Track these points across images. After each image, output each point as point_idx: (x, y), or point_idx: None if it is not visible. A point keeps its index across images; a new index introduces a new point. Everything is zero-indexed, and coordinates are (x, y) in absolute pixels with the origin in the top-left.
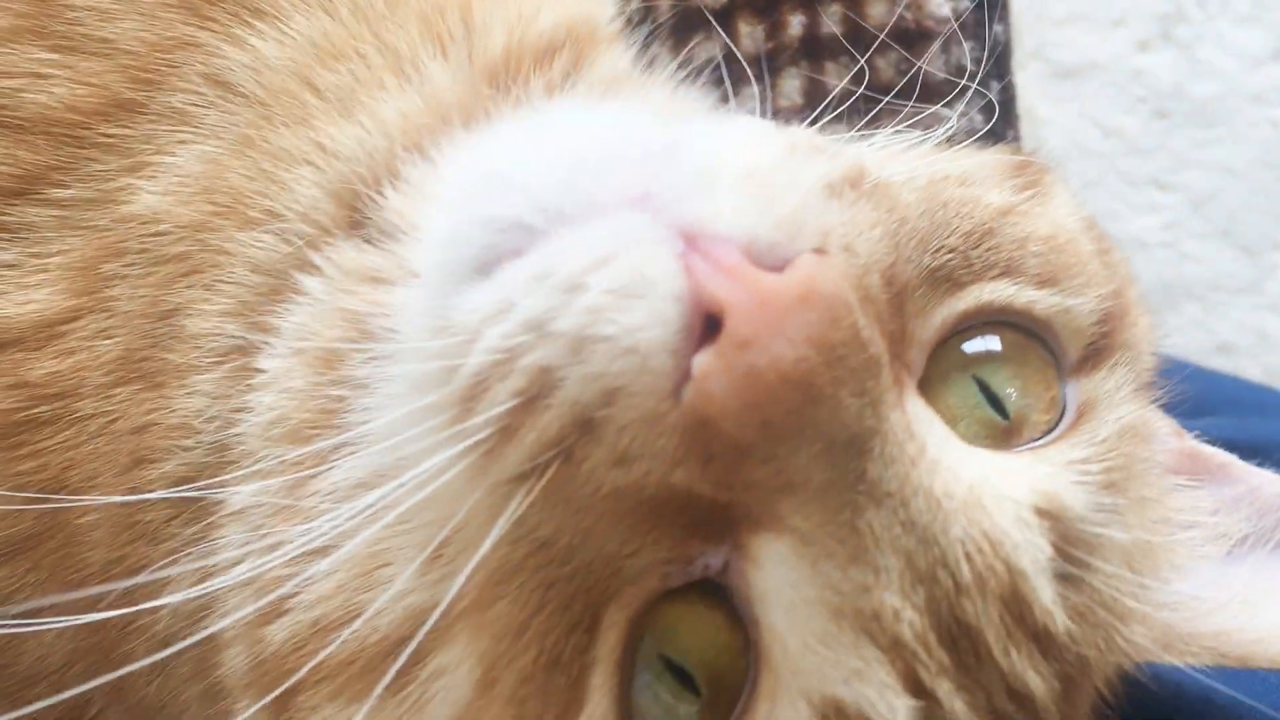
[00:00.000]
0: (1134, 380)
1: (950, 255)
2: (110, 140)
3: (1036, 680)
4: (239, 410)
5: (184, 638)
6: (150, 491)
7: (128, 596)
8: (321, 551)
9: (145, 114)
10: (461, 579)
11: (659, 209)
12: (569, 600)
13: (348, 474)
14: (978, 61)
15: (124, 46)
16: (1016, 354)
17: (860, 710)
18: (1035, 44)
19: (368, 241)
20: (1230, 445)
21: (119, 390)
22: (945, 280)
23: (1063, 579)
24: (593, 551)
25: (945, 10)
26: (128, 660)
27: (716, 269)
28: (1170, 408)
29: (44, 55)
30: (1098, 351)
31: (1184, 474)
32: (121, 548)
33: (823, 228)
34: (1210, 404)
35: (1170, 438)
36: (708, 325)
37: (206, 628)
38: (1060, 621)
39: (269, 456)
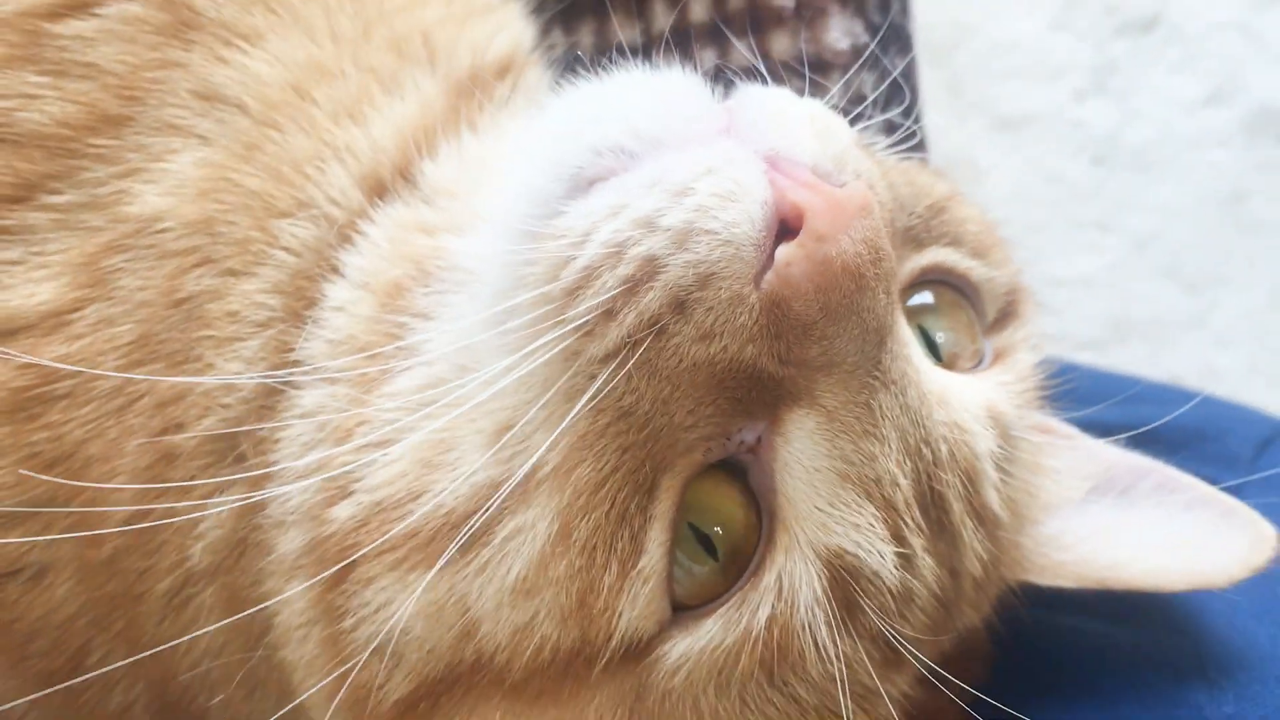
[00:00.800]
0: (1031, 339)
1: (918, 220)
2: (100, 151)
3: (971, 558)
4: (292, 350)
5: (221, 565)
6: (185, 449)
7: (151, 540)
8: (385, 443)
9: (132, 127)
10: (543, 450)
11: (746, 138)
12: (639, 464)
13: (413, 378)
14: (881, 94)
15: (107, 69)
16: (950, 309)
17: (858, 557)
18: (976, 97)
19: (417, 202)
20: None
21: (141, 369)
22: (913, 239)
23: (1000, 471)
24: (664, 420)
25: (844, 44)
26: (142, 602)
27: (796, 182)
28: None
29: (35, 79)
30: (1005, 315)
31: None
32: (149, 503)
33: (859, 167)
34: (1096, 395)
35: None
36: (779, 231)
37: (259, 525)
38: (995, 502)
39: (337, 367)
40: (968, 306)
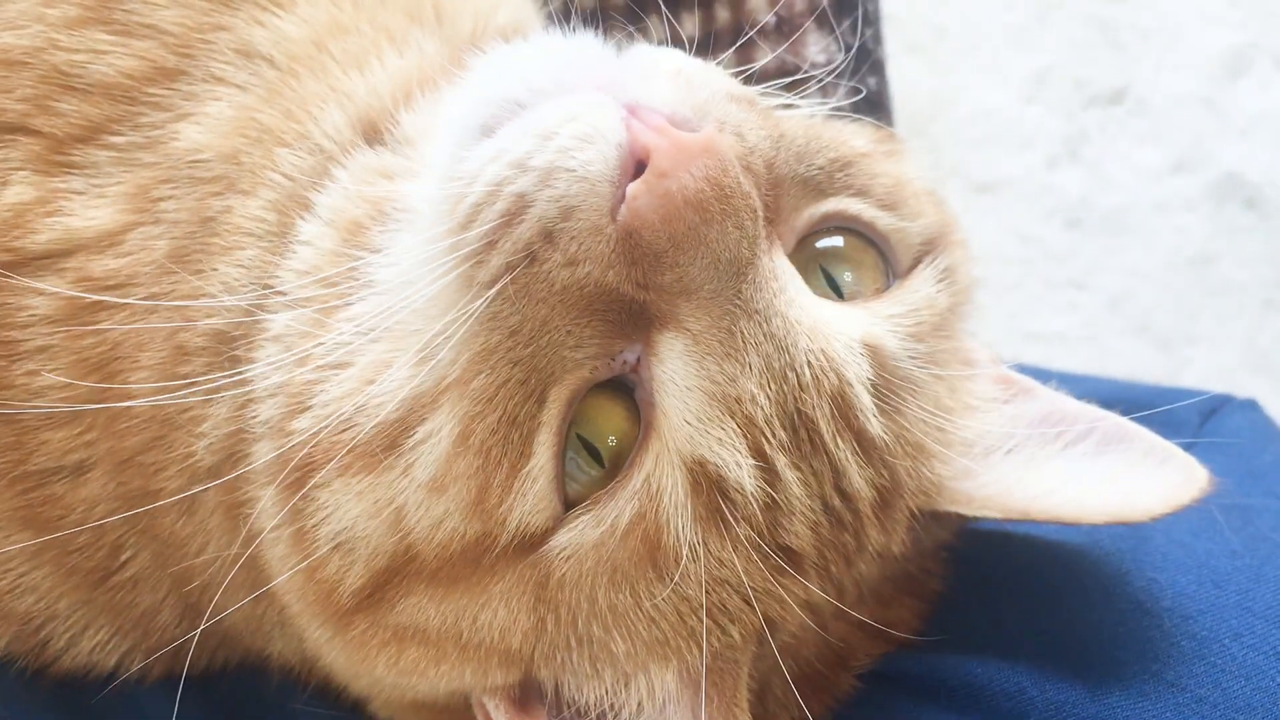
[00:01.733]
0: (942, 276)
1: (818, 171)
2: (156, 98)
3: (858, 479)
4: (272, 274)
5: (220, 468)
6: (193, 346)
7: (166, 437)
8: (340, 365)
9: (185, 77)
10: (445, 363)
11: (612, 90)
12: (527, 376)
13: (365, 306)
14: (853, 106)
15: (166, 29)
16: (855, 254)
17: (717, 466)
18: (954, 163)
19: (386, 149)
20: None
21: (167, 277)
22: (814, 189)
23: (879, 398)
24: (546, 337)
25: (820, 58)
26: (160, 498)
27: (648, 127)
28: None
29: (104, 37)
30: (919, 260)
31: (1000, 392)
32: (165, 395)
33: (722, 116)
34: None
35: (989, 365)
36: (638, 170)
37: (245, 438)
38: (876, 427)
39: (302, 294)
40: (874, 252)
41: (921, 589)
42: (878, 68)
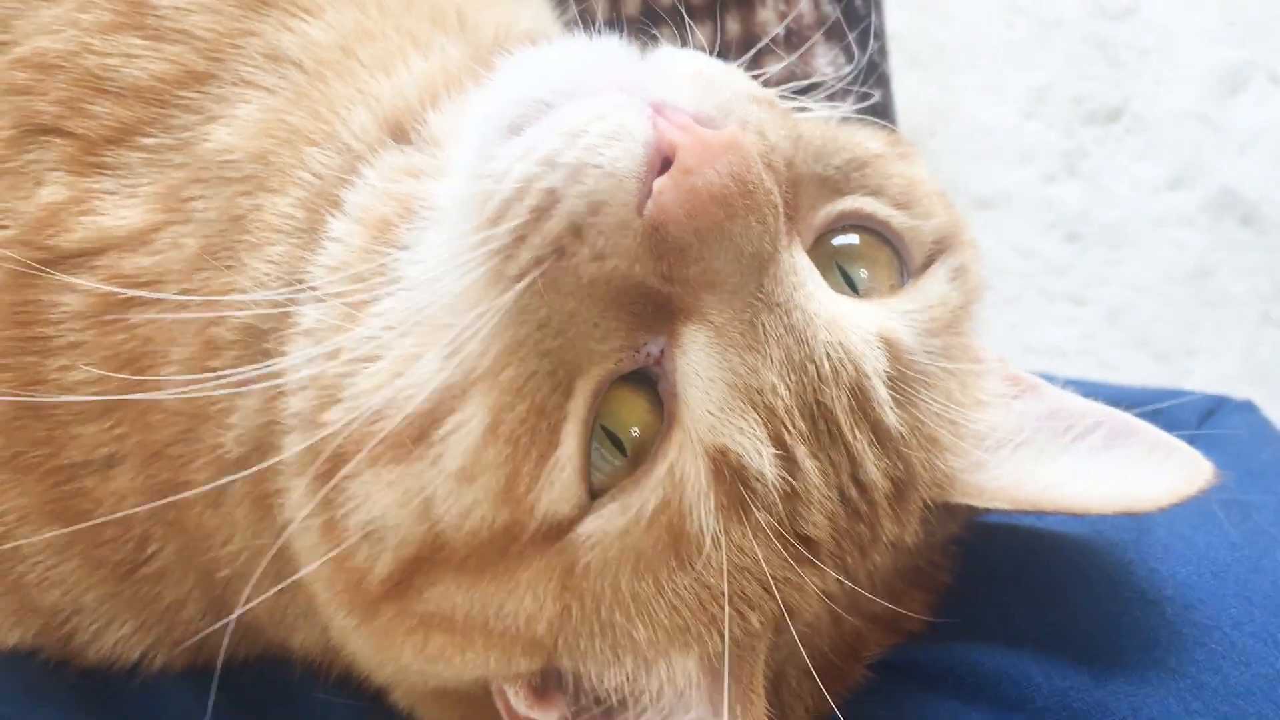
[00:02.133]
0: (954, 275)
1: (835, 170)
2: (187, 101)
3: (874, 470)
4: (302, 270)
5: (248, 459)
6: (224, 340)
7: (195, 429)
8: (370, 358)
9: (215, 81)
10: (475, 355)
11: (638, 91)
12: (555, 367)
13: (395, 302)
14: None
15: (198, 35)
16: (871, 251)
17: (739, 456)
18: (953, 177)
19: (413, 148)
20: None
21: (198, 274)
22: (831, 187)
23: (895, 391)
24: (574, 330)
25: (828, 70)
26: (187, 490)
27: (673, 125)
28: None
29: (136, 41)
30: (932, 258)
31: (1009, 388)
32: (194, 387)
33: (744, 115)
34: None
35: (996, 363)
36: (664, 167)
37: (274, 430)
38: (892, 419)
39: (333, 290)
40: (888, 250)
41: (930, 582)
42: (883, 81)
